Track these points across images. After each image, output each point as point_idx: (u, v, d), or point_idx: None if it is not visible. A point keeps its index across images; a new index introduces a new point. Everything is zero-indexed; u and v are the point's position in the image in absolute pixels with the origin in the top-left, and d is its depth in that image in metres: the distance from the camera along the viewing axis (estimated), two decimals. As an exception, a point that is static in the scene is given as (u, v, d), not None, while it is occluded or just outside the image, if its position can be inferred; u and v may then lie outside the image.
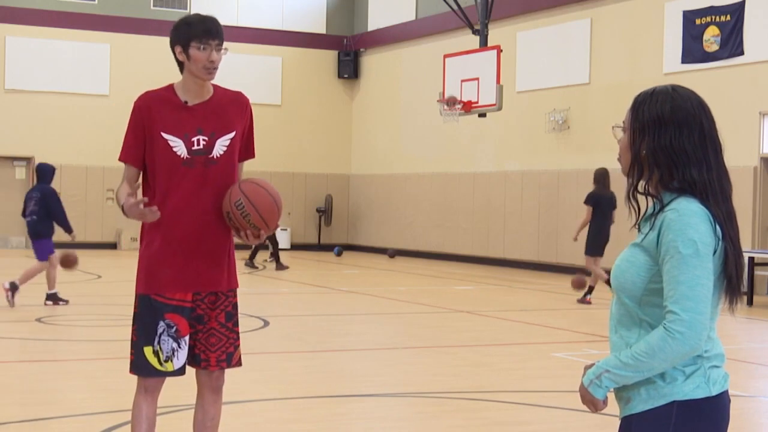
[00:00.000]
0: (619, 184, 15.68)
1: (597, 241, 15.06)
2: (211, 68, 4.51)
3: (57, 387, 8.10)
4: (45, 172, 13.72)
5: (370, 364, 9.83)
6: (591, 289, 15.30)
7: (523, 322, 13.27)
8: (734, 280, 2.82)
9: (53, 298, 13.43)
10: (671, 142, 2.81)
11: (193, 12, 30.27)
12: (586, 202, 15.18)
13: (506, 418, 7.31)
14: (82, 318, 12.66)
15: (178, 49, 4.54)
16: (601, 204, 15.02)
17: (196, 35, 4.48)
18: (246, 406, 7.42)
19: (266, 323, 12.19)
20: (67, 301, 13.51)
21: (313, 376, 8.85)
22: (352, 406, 7.74)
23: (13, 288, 12.96)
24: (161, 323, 4.57)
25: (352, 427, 7.11)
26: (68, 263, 13.43)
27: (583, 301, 15.32)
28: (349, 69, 28.80)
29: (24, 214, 13.49)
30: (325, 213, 28.59)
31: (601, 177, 15.18)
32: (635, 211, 2.91)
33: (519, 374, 9.26)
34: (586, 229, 15.25)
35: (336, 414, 7.43)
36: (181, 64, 4.60)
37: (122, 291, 14.37)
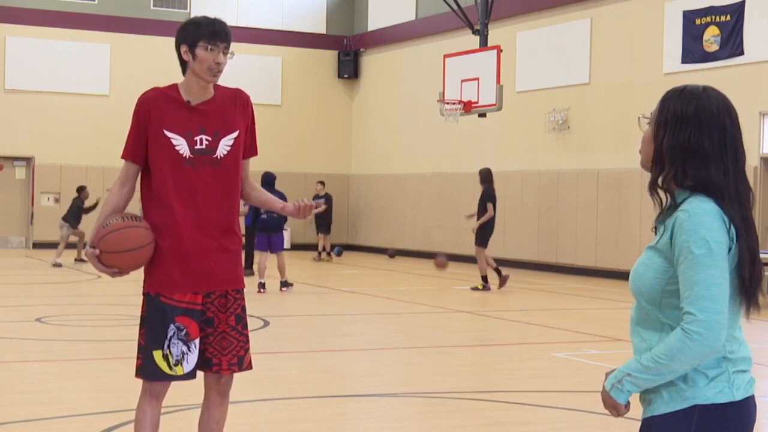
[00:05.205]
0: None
1: (486, 235, 16.84)
2: (216, 70, 4.47)
3: (57, 387, 8.09)
4: (268, 180, 16.51)
5: (370, 364, 9.83)
6: (485, 278, 16.91)
7: (523, 322, 13.27)
8: (747, 282, 2.78)
9: (286, 284, 16.39)
10: (689, 140, 2.79)
11: (193, 12, 30.16)
12: (489, 200, 16.74)
13: (506, 418, 7.31)
14: (82, 318, 12.66)
15: (183, 48, 4.49)
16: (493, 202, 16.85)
17: (204, 35, 4.46)
18: (246, 406, 7.41)
19: (266, 323, 12.19)
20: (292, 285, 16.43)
21: (313, 376, 8.85)
22: (352, 406, 7.73)
23: (286, 285, 16.26)
24: (171, 326, 4.50)
25: (352, 427, 7.11)
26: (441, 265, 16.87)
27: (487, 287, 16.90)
28: (349, 69, 28.80)
29: (260, 211, 15.97)
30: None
31: (490, 176, 16.89)
32: (659, 204, 2.87)
33: (519, 374, 9.26)
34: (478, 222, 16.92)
35: (336, 414, 7.43)
36: (184, 64, 4.54)
37: (122, 291, 14.38)
